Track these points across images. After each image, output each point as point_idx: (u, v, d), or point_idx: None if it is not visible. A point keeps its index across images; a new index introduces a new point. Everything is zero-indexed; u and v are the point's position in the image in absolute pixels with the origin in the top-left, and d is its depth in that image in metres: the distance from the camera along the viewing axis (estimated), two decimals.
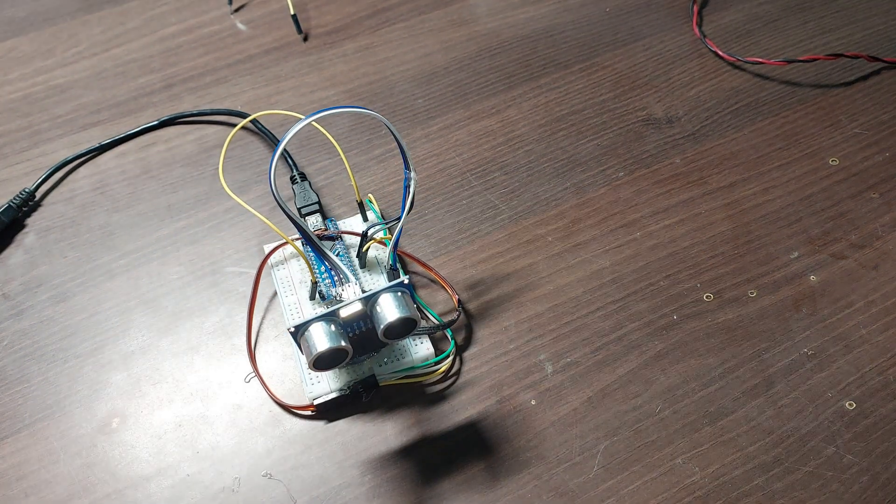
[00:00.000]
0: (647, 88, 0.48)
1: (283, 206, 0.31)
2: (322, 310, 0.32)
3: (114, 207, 0.43)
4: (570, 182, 0.43)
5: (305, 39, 0.52)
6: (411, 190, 0.33)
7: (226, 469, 0.33)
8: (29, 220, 0.43)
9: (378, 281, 0.38)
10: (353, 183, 0.38)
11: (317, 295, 0.37)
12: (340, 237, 0.39)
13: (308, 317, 0.31)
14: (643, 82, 0.49)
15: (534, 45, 0.51)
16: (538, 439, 0.33)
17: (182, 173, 0.45)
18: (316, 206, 0.41)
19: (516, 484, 0.32)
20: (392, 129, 0.30)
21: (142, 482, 0.33)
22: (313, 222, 0.40)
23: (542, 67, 0.50)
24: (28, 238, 0.42)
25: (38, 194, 0.44)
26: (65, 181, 0.45)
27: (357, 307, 0.31)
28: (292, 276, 0.39)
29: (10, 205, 0.42)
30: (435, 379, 0.36)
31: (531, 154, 0.45)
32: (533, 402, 0.35)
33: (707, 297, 0.38)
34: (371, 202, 0.41)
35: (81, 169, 0.45)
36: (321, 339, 0.30)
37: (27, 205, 0.43)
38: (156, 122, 0.47)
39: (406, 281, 0.31)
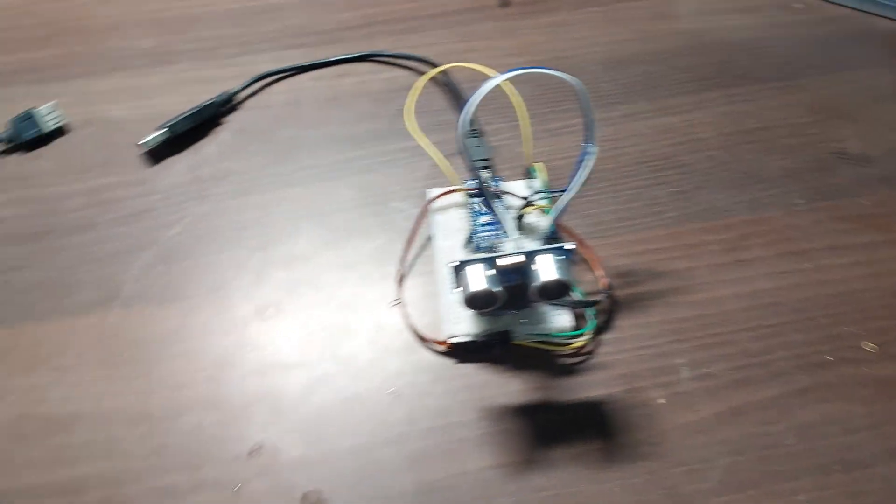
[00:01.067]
0: (846, 120, 0.46)
1: (468, 152, 0.32)
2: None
3: (302, 124, 0.46)
4: (746, 197, 0.42)
5: (505, 5, 0.53)
6: (589, 165, 0.33)
7: (358, 379, 0.35)
8: (226, 119, 0.47)
9: (535, 244, 0.38)
10: (527, 147, 0.39)
11: (471, 245, 0.38)
12: (501, 196, 0.40)
13: (471, 257, 0.32)
14: (843, 113, 0.46)
15: (734, 53, 0.50)
16: (660, 437, 0.33)
17: (367, 107, 0.47)
18: (488, 162, 0.42)
19: (629, 472, 0.32)
20: (585, 98, 0.31)
21: (283, 368, 0.36)
22: (484, 177, 0.41)
23: (739, 77, 0.48)
24: (223, 134, 0.46)
25: (239, 98, 0.47)
26: (263, 91, 0.48)
27: (518, 258, 0.32)
28: (451, 222, 0.40)
29: (212, 102, 0.46)
30: (567, 352, 0.36)
31: (711, 160, 0.44)
32: (662, 401, 0.34)
33: (869, 346, 0.36)
34: (540, 170, 0.42)
35: (280, 84, 0.48)
36: (480, 279, 0.31)
37: (228, 104, 0.47)
38: (353, 56, 0.49)
39: (570, 247, 0.32)
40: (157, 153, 0.45)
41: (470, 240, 0.38)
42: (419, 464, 0.33)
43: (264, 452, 0.34)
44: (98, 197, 0.43)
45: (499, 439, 0.33)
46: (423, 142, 0.35)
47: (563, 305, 0.35)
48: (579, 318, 0.37)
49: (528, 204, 0.37)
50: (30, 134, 0.45)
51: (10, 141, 0.45)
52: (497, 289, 0.32)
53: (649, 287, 0.38)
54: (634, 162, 0.44)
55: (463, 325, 0.36)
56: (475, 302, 0.32)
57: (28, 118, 0.45)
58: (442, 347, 0.36)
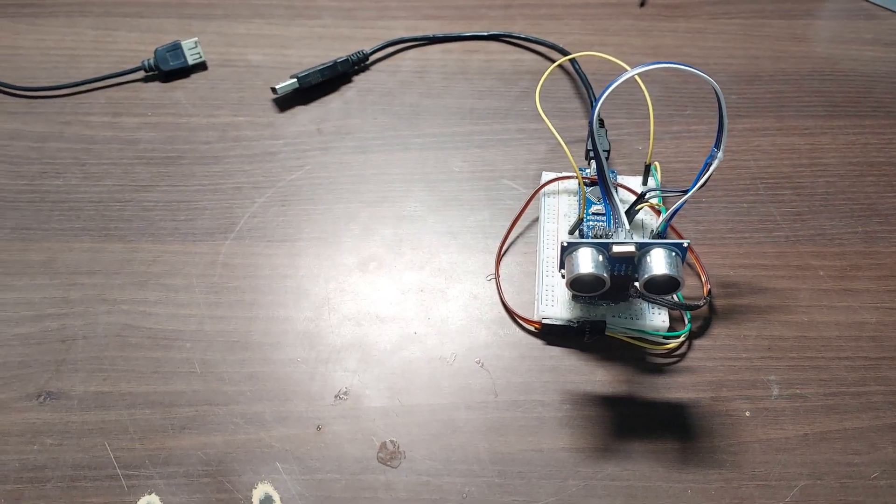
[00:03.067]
0: None
1: (595, 139, 0.32)
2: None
3: (426, 93, 0.47)
4: (863, 228, 0.41)
5: (642, 5, 0.53)
6: (711, 168, 0.33)
7: (447, 343, 0.36)
8: (356, 78, 0.48)
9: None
10: (650, 143, 0.39)
11: (577, 231, 0.38)
12: (616, 189, 0.40)
13: (584, 239, 0.32)
14: None
15: (871, 84, 0.48)
16: (740, 448, 0.33)
17: (492, 85, 0.48)
18: (606, 154, 0.42)
19: (703, 477, 0.32)
20: (722, 100, 0.30)
21: (378, 321, 0.37)
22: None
23: (872, 109, 0.47)
24: (350, 92, 0.47)
25: (371, 59, 0.49)
26: (394, 56, 0.49)
27: (630, 248, 0.32)
28: (559, 207, 0.40)
29: (347, 59, 0.47)
30: (659, 352, 0.36)
31: (831, 186, 0.43)
32: (747, 414, 0.34)
33: None
34: (656, 169, 0.42)
35: (411, 51, 0.50)
36: (588, 262, 0.32)
37: (359, 64, 0.48)
38: (485, 34, 0.50)
39: (685, 245, 0.32)
40: (287, 101, 0.47)
41: (578, 226, 0.38)
42: (496, 434, 0.34)
43: (349, 397, 0.35)
44: (228, 133, 0.45)
45: (578, 423, 0.34)
46: (548, 124, 0.36)
47: (664, 305, 0.35)
48: (676, 322, 0.37)
49: (643, 200, 0.37)
50: (173, 65, 0.47)
51: (151, 69, 0.48)
52: (604, 274, 0.32)
53: (749, 301, 0.38)
54: (752, 177, 0.43)
55: (557, 309, 0.36)
56: (581, 284, 0.33)
57: (175, 49, 0.47)
58: (533, 327, 0.37)
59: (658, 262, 0.32)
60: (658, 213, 0.39)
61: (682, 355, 0.36)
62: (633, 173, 0.42)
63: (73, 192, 0.42)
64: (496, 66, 0.49)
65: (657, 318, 0.36)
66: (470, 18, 0.51)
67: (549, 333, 0.37)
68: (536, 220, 0.41)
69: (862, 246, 0.40)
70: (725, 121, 0.31)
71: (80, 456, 0.33)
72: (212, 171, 0.43)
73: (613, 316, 0.36)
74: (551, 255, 0.38)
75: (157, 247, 0.40)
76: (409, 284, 0.39)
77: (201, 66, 0.49)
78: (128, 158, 0.44)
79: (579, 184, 0.37)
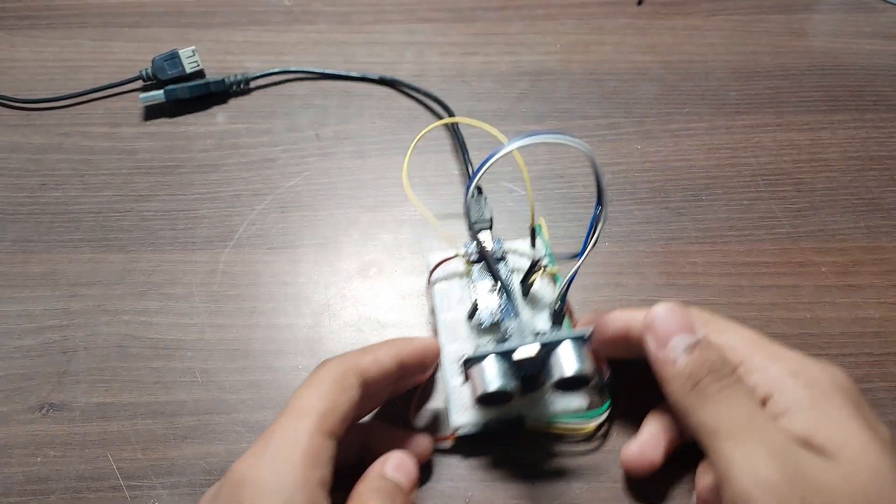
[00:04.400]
0: None
1: (468, 215, 0.31)
2: (491, 343, 0.31)
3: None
4: (865, 223, 0.41)
5: (640, 3, 0.53)
6: (598, 228, 0.30)
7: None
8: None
9: (541, 318, 0.34)
10: (530, 206, 0.36)
11: (475, 317, 0.34)
12: (505, 259, 0.36)
13: (482, 350, 0.30)
14: None
15: (871, 78, 0.48)
16: None
17: (490, 87, 0.48)
18: (488, 224, 0.38)
19: None
20: (594, 160, 0.28)
21: (380, 326, 0.37)
22: (484, 239, 0.37)
23: (873, 103, 0.47)
24: (347, 98, 0.47)
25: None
26: (391, 60, 0.49)
27: (532, 351, 0.30)
28: (452, 292, 0.36)
29: (224, 80, 0.47)
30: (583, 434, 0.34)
31: (832, 181, 0.42)
32: None
33: None
34: (541, 228, 0.38)
35: (408, 53, 0.50)
36: (494, 376, 0.29)
37: (238, 86, 0.47)
38: (375, 77, 0.48)
39: (587, 333, 0.30)
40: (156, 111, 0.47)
41: (474, 312, 0.34)
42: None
43: None
44: (226, 141, 0.45)
45: None
46: (417, 204, 0.35)
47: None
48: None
49: (535, 269, 0.34)
50: (171, 74, 0.47)
51: (149, 78, 0.48)
52: (512, 385, 0.29)
53: (751, 299, 0.38)
54: (753, 173, 0.43)
55: (469, 415, 0.32)
56: (489, 400, 0.30)
57: (172, 58, 0.47)
58: (448, 443, 0.33)
59: (567, 361, 0.29)
60: (553, 279, 0.36)
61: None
62: (633, 180, 0.42)
63: (72, 204, 0.42)
64: (495, 67, 0.49)
65: (576, 400, 0.33)
66: (466, 21, 0.51)
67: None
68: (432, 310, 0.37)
69: (864, 241, 0.40)
70: (602, 180, 0.29)
71: (83, 467, 0.33)
72: (210, 179, 0.43)
73: (531, 407, 0.33)
74: (454, 350, 0.34)
75: (156, 256, 0.40)
76: (410, 289, 0.39)
77: (199, 75, 0.49)
78: (126, 168, 0.44)
79: (466, 272, 0.34)
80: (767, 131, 0.45)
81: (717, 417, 0.26)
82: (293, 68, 0.48)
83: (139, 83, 0.48)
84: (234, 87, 0.47)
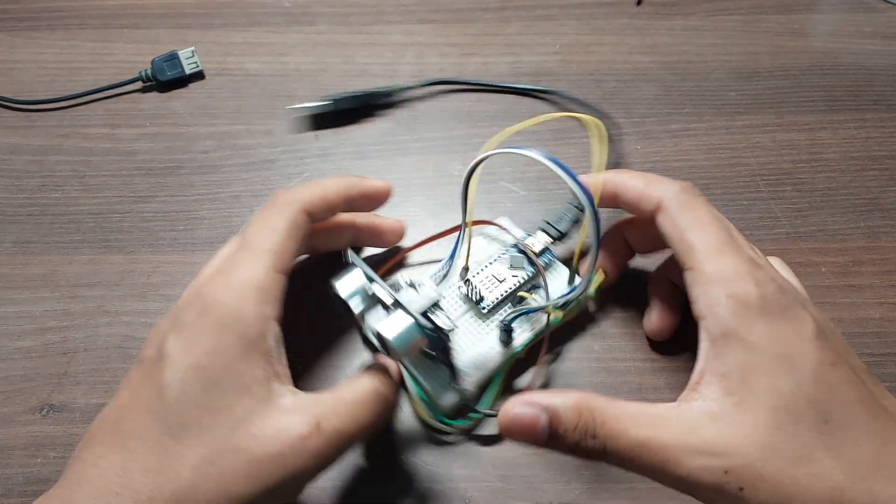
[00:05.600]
0: None
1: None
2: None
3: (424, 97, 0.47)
4: (865, 223, 0.41)
5: (639, 3, 0.53)
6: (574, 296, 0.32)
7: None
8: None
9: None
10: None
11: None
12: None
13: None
14: None
15: (871, 78, 0.48)
16: None
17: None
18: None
19: None
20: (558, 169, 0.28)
21: None
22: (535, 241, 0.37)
23: (873, 103, 0.47)
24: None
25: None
26: (390, 61, 0.49)
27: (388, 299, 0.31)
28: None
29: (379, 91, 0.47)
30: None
31: (832, 181, 0.42)
32: None
33: None
34: (595, 281, 0.36)
35: (407, 54, 0.50)
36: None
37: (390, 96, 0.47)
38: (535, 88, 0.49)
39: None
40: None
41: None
42: (497, 437, 0.34)
43: None
44: (226, 142, 0.45)
45: None
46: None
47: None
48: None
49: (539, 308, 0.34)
50: (170, 75, 0.48)
51: (149, 79, 0.48)
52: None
53: None
54: (752, 173, 0.43)
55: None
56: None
57: (172, 59, 0.48)
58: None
59: (391, 325, 0.29)
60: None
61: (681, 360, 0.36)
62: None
63: (72, 205, 0.42)
64: (494, 68, 0.49)
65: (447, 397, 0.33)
66: (465, 21, 0.51)
67: None
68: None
69: (864, 241, 0.40)
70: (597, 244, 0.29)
71: None
72: (210, 180, 0.43)
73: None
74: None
75: (156, 257, 0.40)
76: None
77: (199, 76, 0.49)
78: (126, 170, 0.44)
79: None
80: (767, 131, 0.45)
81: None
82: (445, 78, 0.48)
83: (139, 84, 0.48)
84: (388, 98, 0.47)
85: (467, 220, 0.34)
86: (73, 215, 0.42)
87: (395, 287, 0.31)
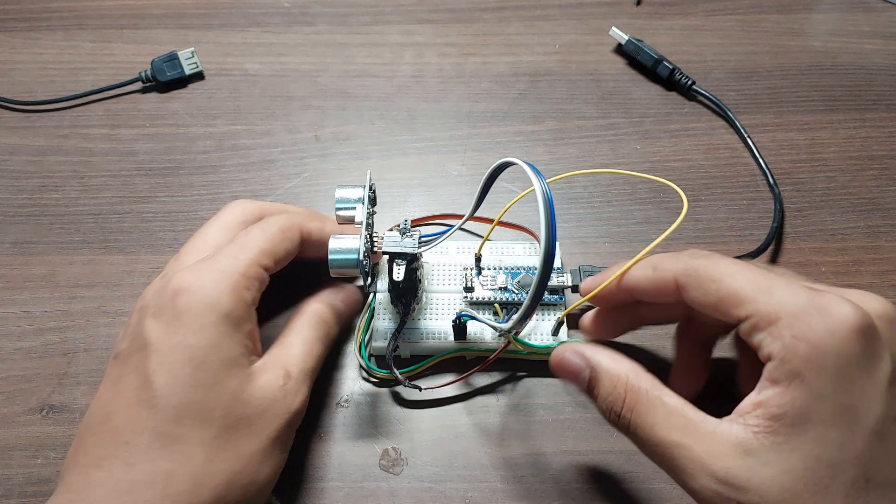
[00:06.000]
0: None
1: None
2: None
3: (423, 97, 0.47)
4: (865, 223, 0.41)
5: (638, 3, 0.53)
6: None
7: None
8: (350, 84, 0.48)
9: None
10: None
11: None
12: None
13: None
14: None
15: (870, 78, 0.48)
16: None
17: (489, 87, 0.48)
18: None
19: None
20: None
21: None
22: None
23: (872, 103, 0.47)
24: (346, 100, 0.47)
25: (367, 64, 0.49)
26: (389, 61, 0.49)
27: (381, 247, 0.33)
28: None
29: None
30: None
31: (831, 181, 0.43)
32: None
33: None
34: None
35: (406, 54, 0.50)
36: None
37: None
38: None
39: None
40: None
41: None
42: (498, 438, 0.34)
43: (351, 404, 0.35)
44: (225, 142, 0.45)
45: (580, 426, 0.34)
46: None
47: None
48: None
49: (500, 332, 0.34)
50: (170, 75, 0.47)
51: (148, 80, 0.48)
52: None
53: None
54: (751, 173, 0.43)
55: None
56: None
57: (171, 59, 0.48)
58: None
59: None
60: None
61: None
62: (632, 181, 0.42)
63: (72, 206, 0.42)
64: (493, 68, 0.49)
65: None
66: (464, 21, 0.51)
67: None
68: None
69: (864, 241, 0.40)
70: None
71: None
72: (210, 180, 0.43)
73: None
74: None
75: (156, 258, 0.40)
76: None
77: (198, 76, 0.49)
78: (126, 170, 0.44)
79: None
80: (767, 131, 0.45)
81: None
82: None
83: (138, 85, 0.48)
84: None
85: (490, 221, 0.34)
86: (72, 216, 0.42)
87: (402, 229, 0.33)
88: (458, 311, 0.35)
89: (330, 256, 0.31)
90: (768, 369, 0.24)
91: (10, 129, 0.46)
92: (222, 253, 0.31)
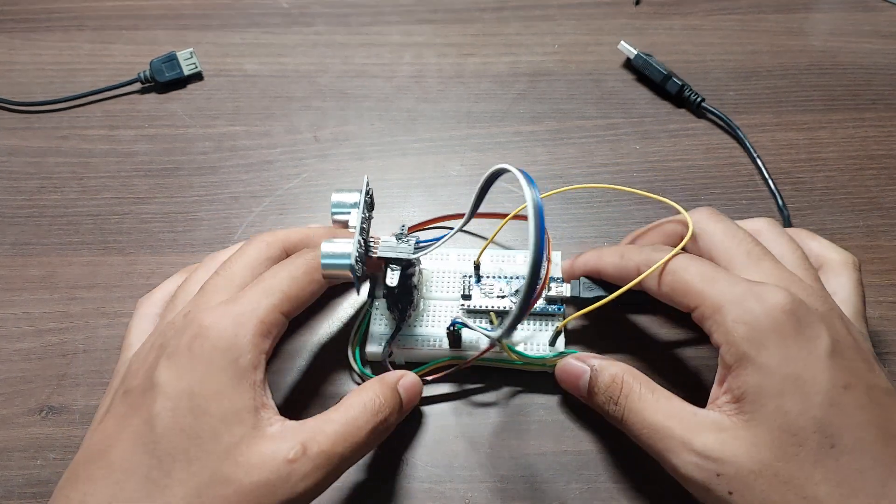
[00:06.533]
0: None
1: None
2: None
3: (423, 97, 0.47)
4: (864, 223, 0.41)
5: (637, 3, 0.53)
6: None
7: None
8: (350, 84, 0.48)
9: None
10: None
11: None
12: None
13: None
14: None
15: (870, 77, 0.48)
16: None
17: (488, 88, 0.48)
18: None
19: None
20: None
21: None
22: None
23: (871, 102, 0.47)
24: (345, 100, 0.47)
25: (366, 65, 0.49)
26: (388, 62, 0.49)
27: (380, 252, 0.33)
28: None
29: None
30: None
31: (830, 181, 0.42)
32: None
33: None
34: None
35: (406, 54, 0.50)
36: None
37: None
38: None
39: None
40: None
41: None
42: (498, 438, 0.34)
43: None
44: (224, 143, 0.45)
45: (579, 426, 0.34)
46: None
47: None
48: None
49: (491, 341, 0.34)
50: (169, 76, 0.47)
51: (147, 81, 0.48)
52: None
53: None
54: (750, 173, 0.43)
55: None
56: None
57: (170, 60, 0.47)
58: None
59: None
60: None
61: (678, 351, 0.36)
62: (631, 181, 0.42)
63: (71, 207, 0.42)
64: (492, 68, 0.49)
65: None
66: (464, 21, 0.51)
67: None
68: None
69: (863, 240, 0.40)
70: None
71: None
72: (209, 181, 0.43)
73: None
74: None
75: (155, 259, 0.40)
76: None
77: (197, 77, 0.49)
78: (125, 171, 0.44)
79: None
80: (766, 131, 0.45)
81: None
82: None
83: (137, 85, 0.48)
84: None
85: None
86: (71, 217, 0.42)
87: (399, 234, 0.33)
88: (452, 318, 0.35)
89: (322, 260, 0.31)
90: (721, 356, 0.28)
91: (9, 130, 0.46)
92: (245, 296, 0.29)
